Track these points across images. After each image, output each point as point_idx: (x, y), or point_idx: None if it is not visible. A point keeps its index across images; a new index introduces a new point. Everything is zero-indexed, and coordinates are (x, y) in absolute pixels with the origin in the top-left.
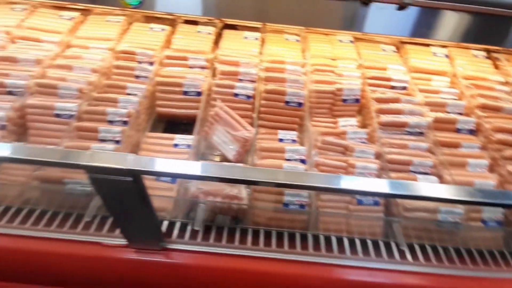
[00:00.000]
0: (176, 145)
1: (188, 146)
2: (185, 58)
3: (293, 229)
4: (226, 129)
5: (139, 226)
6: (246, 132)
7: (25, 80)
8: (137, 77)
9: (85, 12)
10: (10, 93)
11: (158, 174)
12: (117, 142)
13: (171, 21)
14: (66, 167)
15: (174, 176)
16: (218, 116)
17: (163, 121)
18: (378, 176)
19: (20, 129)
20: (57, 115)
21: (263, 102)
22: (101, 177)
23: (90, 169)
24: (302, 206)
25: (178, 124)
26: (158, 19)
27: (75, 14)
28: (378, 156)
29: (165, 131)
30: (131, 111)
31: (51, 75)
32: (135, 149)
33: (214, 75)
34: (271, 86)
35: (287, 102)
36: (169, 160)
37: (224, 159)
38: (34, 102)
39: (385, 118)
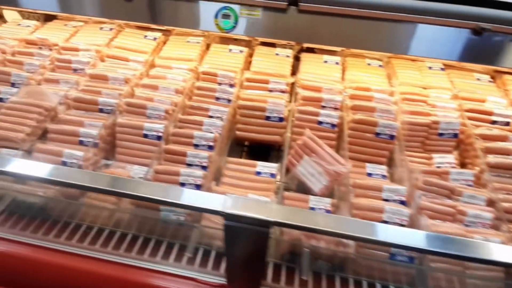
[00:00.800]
0: (258, 173)
1: (272, 175)
2: (266, 81)
3: (399, 284)
4: (316, 161)
5: (246, 267)
6: (342, 167)
7: (115, 99)
8: (217, 98)
9: (167, 32)
10: (101, 110)
11: (300, 228)
12: (204, 168)
13: (247, 43)
14: (199, 211)
15: (318, 232)
16: (306, 146)
17: (240, 145)
18: (494, 227)
19: (108, 146)
20: (145, 135)
21: (350, 132)
22: (236, 225)
23: (229, 217)
24: (411, 259)
25: (255, 148)
26: (235, 40)
27: (158, 34)
28: (490, 203)
29: (243, 155)
30: (217, 136)
31: (139, 95)
32: (217, 174)
33: (294, 100)
34: (360, 116)
35: (377, 134)
36: (307, 212)
37: (302, 189)
38: (124, 121)
39: (495, 159)
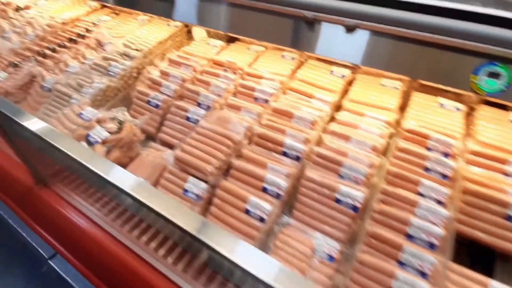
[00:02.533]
0: None
1: None
2: (502, 160)
3: None
4: None
5: None
6: None
7: (301, 143)
8: (427, 169)
9: (356, 69)
10: (285, 154)
11: None
12: (424, 275)
13: (463, 98)
14: None
15: None
16: None
17: (460, 243)
18: None
19: (287, 197)
20: (338, 201)
21: None
22: None
23: None
24: None
25: (471, 248)
26: (445, 92)
27: (346, 71)
28: None
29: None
30: (445, 234)
31: (329, 144)
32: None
33: None
34: None
35: None
36: None
37: None
38: (315, 177)
39: None
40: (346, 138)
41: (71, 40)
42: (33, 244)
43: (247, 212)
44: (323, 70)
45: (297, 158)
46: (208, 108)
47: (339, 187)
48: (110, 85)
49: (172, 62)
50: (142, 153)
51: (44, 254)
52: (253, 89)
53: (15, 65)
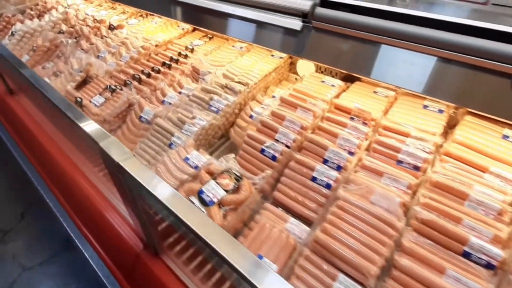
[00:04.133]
0: None
1: None
2: None
3: None
4: None
5: None
6: None
7: (491, 245)
8: None
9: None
10: (466, 255)
11: None
12: None
13: None
14: None
15: None
16: None
17: None
18: None
19: None
20: None
21: None
22: None
23: None
24: None
25: None
26: None
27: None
28: None
29: None
30: None
31: None
32: None
33: None
34: None
35: None
36: None
37: None
38: None
39: None
40: None
41: (164, 64)
42: None
43: None
44: (491, 131)
45: (489, 266)
46: (338, 167)
47: None
48: (213, 123)
49: (285, 102)
50: (260, 218)
51: None
52: (397, 150)
53: (112, 90)
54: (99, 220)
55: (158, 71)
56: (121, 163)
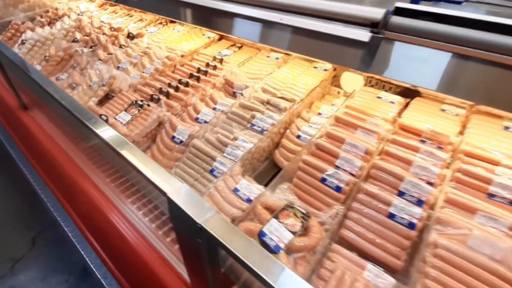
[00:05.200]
0: None
1: None
2: None
3: None
4: None
5: None
6: None
7: None
8: None
9: None
10: None
11: None
12: None
13: None
14: None
15: None
16: None
17: None
18: None
19: None
20: None
21: None
22: None
23: None
24: None
25: None
26: None
27: None
28: None
29: None
30: None
31: None
32: None
33: None
34: None
35: None
36: None
37: None
38: None
39: None
40: None
41: (191, 76)
42: None
43: None
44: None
45: None
46: (419, 202)
47: None
48: (259, 146)
49: (340, 121)
50: (333, 266)
51: None
52: (487, 181)
53: (139, 106)
54: (127, 255)
55: (187, 84)
56: (204, 225)
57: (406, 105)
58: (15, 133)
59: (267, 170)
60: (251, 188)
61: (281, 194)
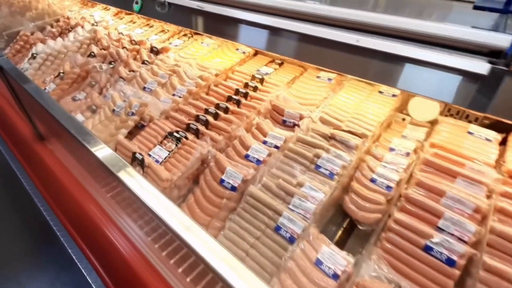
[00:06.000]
0: None
1: None
2: None
3: None
4: None
5: None
6: None
7: None
8: None
9: None
10: None
11: None
12: None
13: None
14: None
15: None
16: None
17: None
18: None
19: None
20: None
21: None
22: None
23: None
24: None
25: None
26: None
27: None
28: None
29: None
30: None
31: None
32: None
33: None
34: None
35: None
36: None
37: None
38: None
39: None
40: None
41: (230, 99)
42: None
43: None
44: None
45: None
46: None
47: None
48: (332, 194)
49: (431, 166)
50: None
51: None
52: None
53: (176, 139)
54: None
55: (226, 110)
56: None
57: (502, 141)
58: (30, 167)
59: (332, 218)
60: (335, 258)
61: (372, 264)
